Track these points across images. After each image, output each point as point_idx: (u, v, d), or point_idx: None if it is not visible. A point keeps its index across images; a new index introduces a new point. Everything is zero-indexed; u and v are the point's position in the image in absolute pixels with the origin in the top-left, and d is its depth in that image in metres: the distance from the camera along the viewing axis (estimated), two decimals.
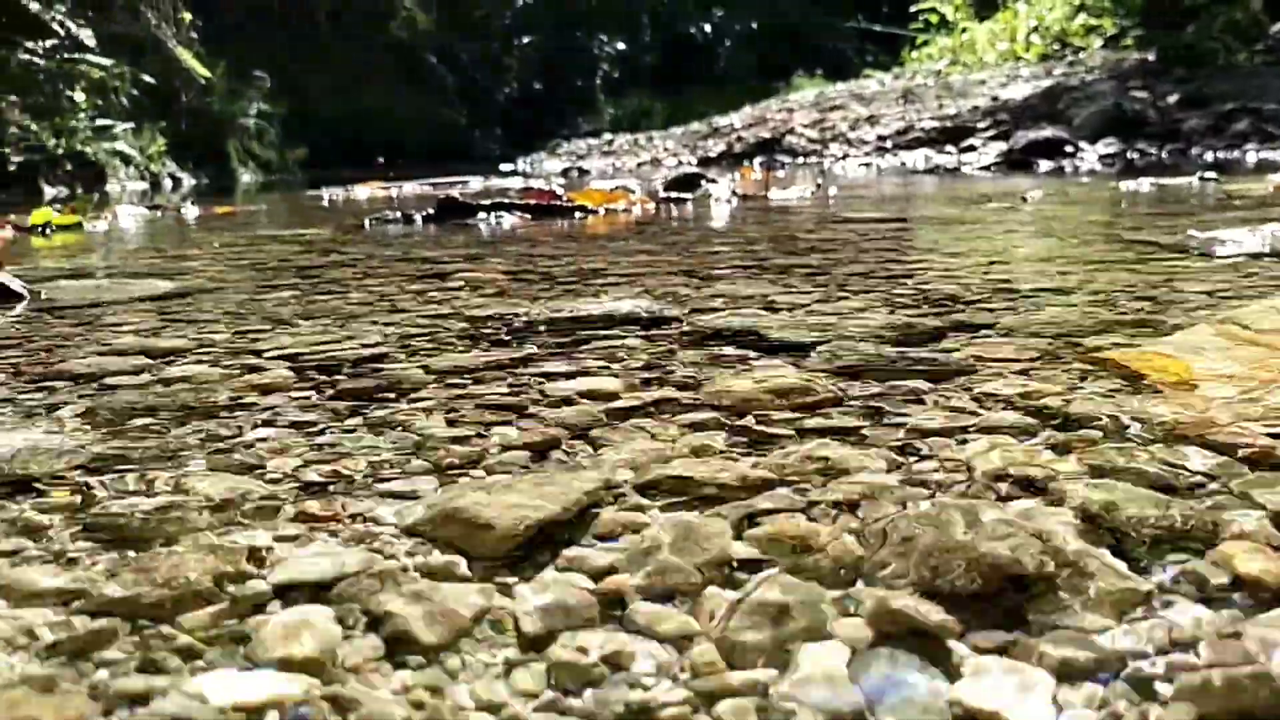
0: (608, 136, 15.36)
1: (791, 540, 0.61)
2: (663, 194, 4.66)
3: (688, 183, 5.05)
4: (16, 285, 1.86)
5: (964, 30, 13.60)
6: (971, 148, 8.55)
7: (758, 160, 9.53)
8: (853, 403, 0.93)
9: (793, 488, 0.71)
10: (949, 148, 8.83)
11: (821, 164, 9.29)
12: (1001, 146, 8.13)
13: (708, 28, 22.42)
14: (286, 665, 0.48)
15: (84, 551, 0.64)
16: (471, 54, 18.68)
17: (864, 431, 0.84)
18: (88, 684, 0.48)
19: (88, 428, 0.93)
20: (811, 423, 0.87)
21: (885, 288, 1.63)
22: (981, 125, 9.13)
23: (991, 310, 1.39)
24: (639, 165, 10.99)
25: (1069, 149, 7.63)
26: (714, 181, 5.25)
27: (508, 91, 20.29)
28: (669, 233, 3.07)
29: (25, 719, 0.45)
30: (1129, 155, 7.51)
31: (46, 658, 0.50)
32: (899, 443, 0.81)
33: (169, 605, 0.55)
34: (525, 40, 20.65)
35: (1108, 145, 7.76)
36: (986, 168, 7.48)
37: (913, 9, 14.68)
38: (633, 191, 4.52)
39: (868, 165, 8.81)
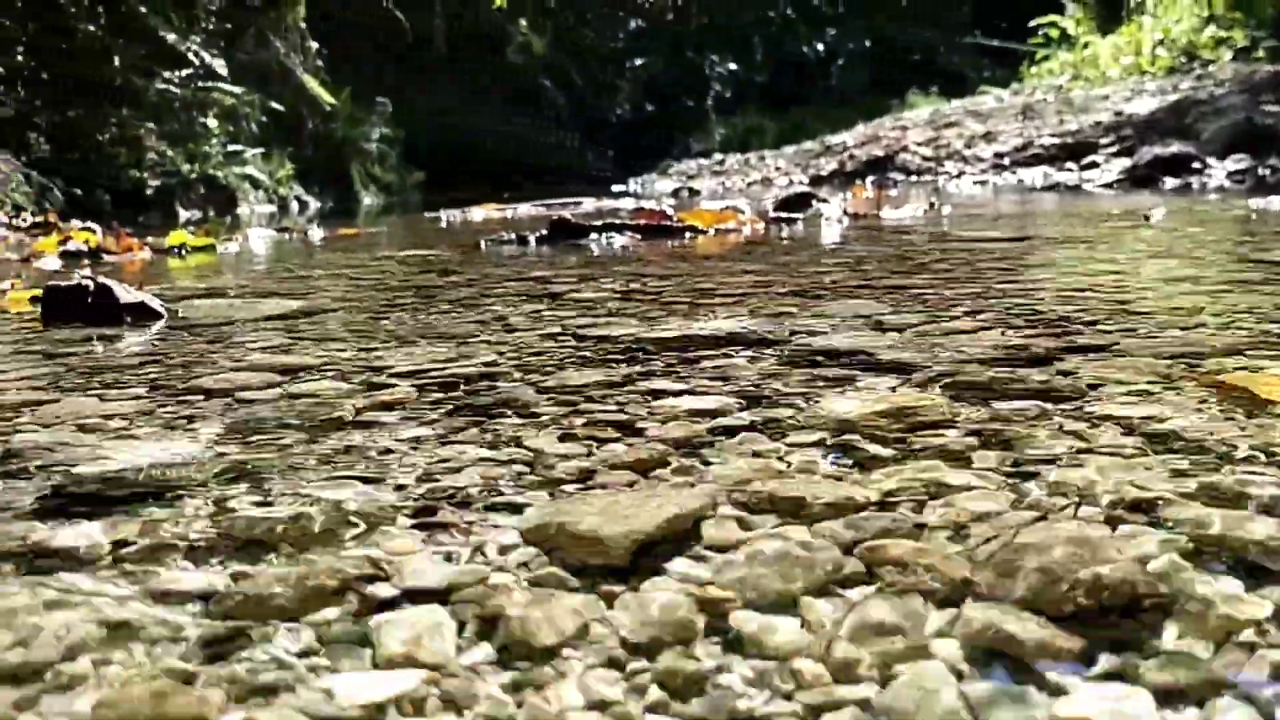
0: (718, 156, 15.39)
1: (896, 559, 0.62)
2: (773, 214, 4.66)
3: (798, 202, 5.04)
4: (155, 304, 1.97)
5: (1086, 44, 13.24)
6: (1093, 164, 8.32)
7: (870, 179, 9.43)
8: (962, 424, 0.93)
9: (899, 508, 0.71)
10: (1069, 164, 8.61)
11: (936, 182, 9.15)
12: (1125, 163, 7.90)
13: (820, 46, 22.31)
14: (406, 664, 0.51)
15: (220, 554, 0.68)
16: (584, 77, 18.97)
17: (973, 453, 0.84)
18: (224, 678, 0.51)
19: (223, 440, 0.99)
20: (919, 443, 0.87)
21: (999, 308, 1.61)
22: (1104, 141, 8.88)
23: (1109, 332, 1.36)
24: (749, 185, 10.99)
25: (1196, 165, 7.37)
26: (825, 201, 5.22)
27: (619, 113, 20.52)
28: (778, 252, 3.07)
29: (167, 709, 0.48)
30: (1260, 171, 7.21)
31: (186, 652, 0.54)
32: (1009, 465, 0.80)
33: (298, 606, 0.59)
34: (637, 62, 20.86)
35: (1238, 161, 7.46)
36: (1109, 185, 7.28)
37: (1032, 24, 14.37)
38: (742, 211, 4.53)
39: (984, 183, 8.65)
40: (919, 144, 11.00)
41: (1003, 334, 1.38)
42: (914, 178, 9.88)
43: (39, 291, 2.16)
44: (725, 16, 21.06)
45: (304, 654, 0.53)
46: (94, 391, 1.26)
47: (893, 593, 0.57)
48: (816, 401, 1.03)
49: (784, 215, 4.56)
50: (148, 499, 0.80)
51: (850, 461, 0.83)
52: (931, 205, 5.08)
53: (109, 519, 0.76)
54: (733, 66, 21.48)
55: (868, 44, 21.71)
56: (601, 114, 19.79)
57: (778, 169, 12.16)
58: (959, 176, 9.34)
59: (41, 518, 0.77)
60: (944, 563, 0.61)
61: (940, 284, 1.97)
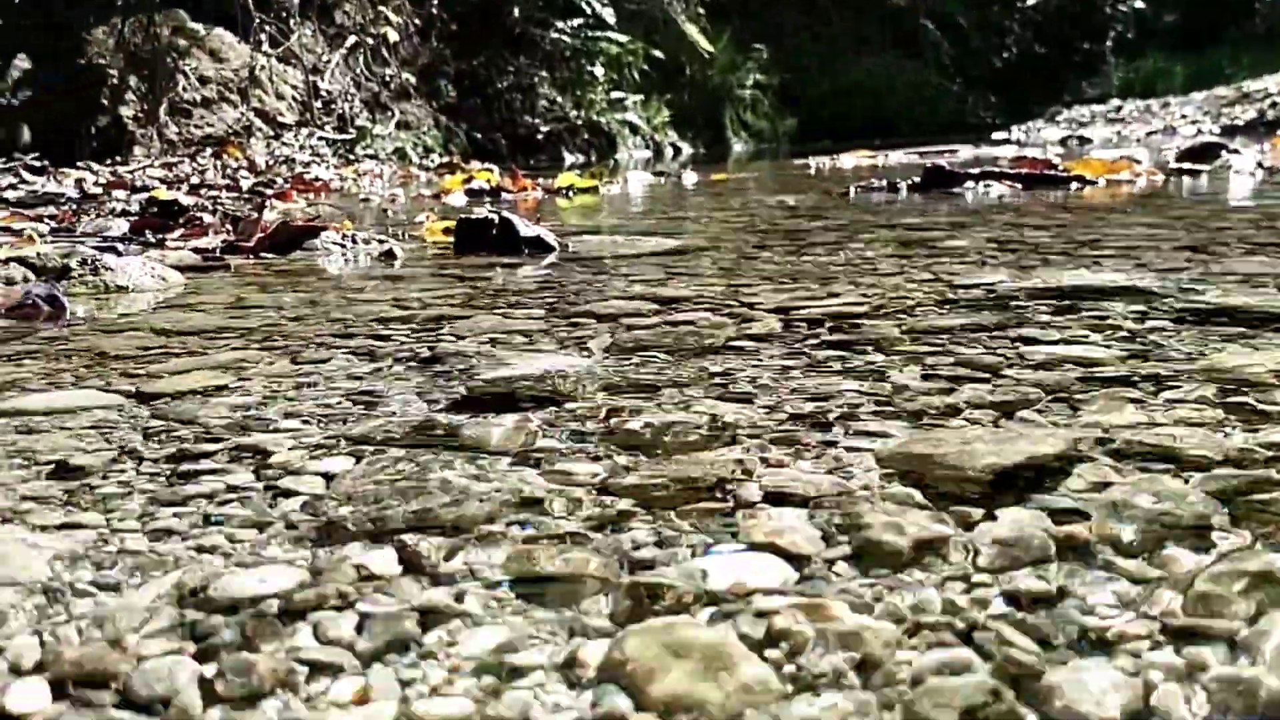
0: (1115, 102, 14.22)
1: (1275, 512, 0.59)
2: (1173, 165, 4.28)
3: (1204, 153, 4.59)
4: (550, 238, 2.16)
5: None
6: None
7: None
8: None
9: None
10: None
11: None
12: None
13: None
14: (771, 553, 0.56)
15: (609, 451, 0.76)
16: (969, 18, 18.10)
17: None
18: (612, 546, 0.59)
19: (609, 357, 1.09)
20: None
21: None
22: None
23: None
24: (1149, 134, 10.10)
25: None
26: (1236, 152, 4.72)
27: (1005, 56, 19.41)
28: (1176, 206, 2.84)
29: (566, 568, 0.56)
30: None
31: (581, 525, 0.62)
32: None
33: (675, 498, 0.65)
34: (1029, 1, 19.59)
35: None
36: None
37: None
38: (1138, 162, 4.20)
39: None
40: None
41: None
42: None
43: (451, 224, 2.42)
44: None
45: (678, 536, 0.60)
46: (499, 310, 1.42)
47: (1266, 543, 0.55)
48: (1203, 356, 0.98)
49: (1187, 167, 4.18)
50: (548, 401, 0.91)
51: (1236, 416, 0.79)
52: None
53: (516, 414, 0.87)
54: (1138, 4, 19.64)
55: None
56: (986, 57, 18.80)
57: (1183, 117, 11.08)
58: None
59: (461, 410, 0.90)
60: None
61: None
